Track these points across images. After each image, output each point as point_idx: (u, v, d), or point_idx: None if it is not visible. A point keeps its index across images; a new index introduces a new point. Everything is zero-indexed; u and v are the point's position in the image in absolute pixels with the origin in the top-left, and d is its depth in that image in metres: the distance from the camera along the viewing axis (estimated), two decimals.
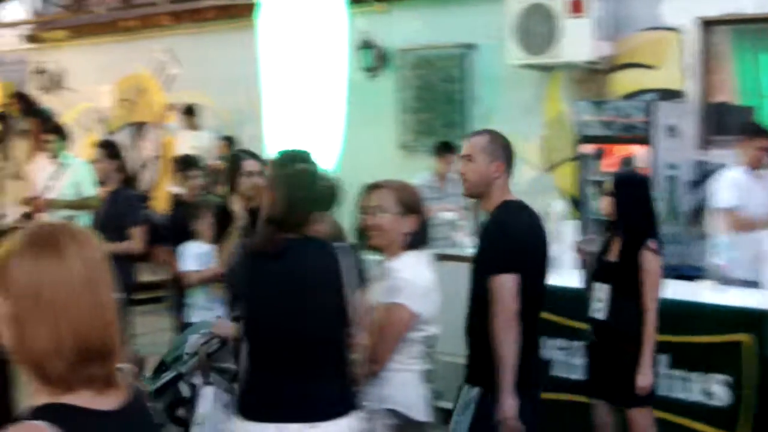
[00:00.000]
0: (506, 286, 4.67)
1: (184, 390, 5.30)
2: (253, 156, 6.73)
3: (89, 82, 16.36)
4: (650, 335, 5.72)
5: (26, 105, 15.00)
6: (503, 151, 5.02)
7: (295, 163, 4.28)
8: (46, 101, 16.18)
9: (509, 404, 4.59)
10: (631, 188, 6.07)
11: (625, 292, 5.80)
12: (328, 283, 4.09)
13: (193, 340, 5.69)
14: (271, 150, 8.37)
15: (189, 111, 13.95)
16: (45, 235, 2.17)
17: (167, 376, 5.70)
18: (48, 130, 10.74)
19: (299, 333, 4.07)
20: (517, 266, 4.68)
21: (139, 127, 15.67)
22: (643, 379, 5.71)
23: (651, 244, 5.75)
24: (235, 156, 6.92)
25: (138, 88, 15.74)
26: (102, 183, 8.78)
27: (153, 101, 15.44)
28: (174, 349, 5.74)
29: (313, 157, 4.33)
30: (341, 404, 4.12)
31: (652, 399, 5.86)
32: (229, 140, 13.20)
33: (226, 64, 13.73)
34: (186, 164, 8.75)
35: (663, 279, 5.84)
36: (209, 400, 5.56)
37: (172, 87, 15.19)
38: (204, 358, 5.61)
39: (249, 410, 4.13)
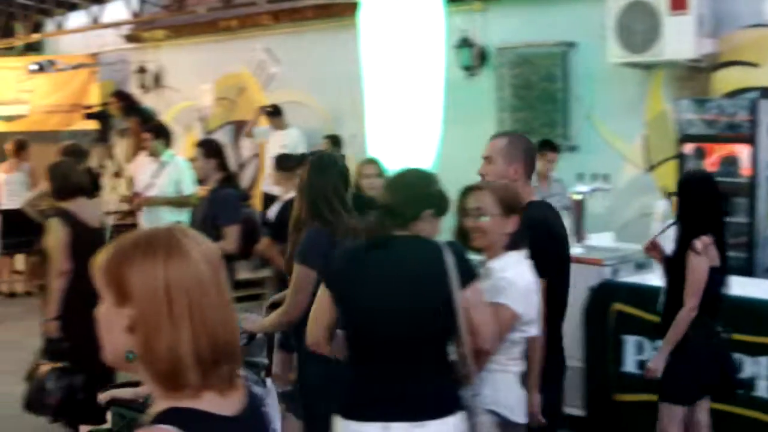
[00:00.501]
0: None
1: None
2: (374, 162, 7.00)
3: (189, 81, 16.64)
4: (678, 329, 5.85)
5: (127, 104, 15.30)
6: (523, 154, 5.23)
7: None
8: (147, 100, 16.50)
9: (536, 399, 4.83)
10: (691, 187, 6.17)
11: (676, 288, 5.93)
12: (433, 281, 4.13)
13: None
14: (371, 149, 8.49)
15: (275, 111, 14.14)
16: (164, 237, 2.14)
17: None
18: (150, 128, 11.01)
19: (405, 330, 4.11)
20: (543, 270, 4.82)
21: (238, 126, 15.89)
22: (652, 363, 5.98)
23: (698, 242, 5.82)
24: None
25: (237, 87, 15.96)
26: (201, 182, 8.97)
27: (252, 100, 15.64)
28: None
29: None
30: (449, 403, 4.17)
31: (681, 398, 6.00)
32: (333, 139, 13.32)
33: (326, 62, 13.91)
34: (287, 163, 8.90)
35: (726, 276, 6.01)
36: None
37: (271, 86, 15.38)
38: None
39: (352, 409, 4.16)
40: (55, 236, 7.29)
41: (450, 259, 4.13)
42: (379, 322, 4.14)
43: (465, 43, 12.18)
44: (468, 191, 4.78)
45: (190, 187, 9.98)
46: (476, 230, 4.68)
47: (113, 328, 2.13)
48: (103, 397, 6.72)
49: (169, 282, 2.07)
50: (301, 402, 5.49)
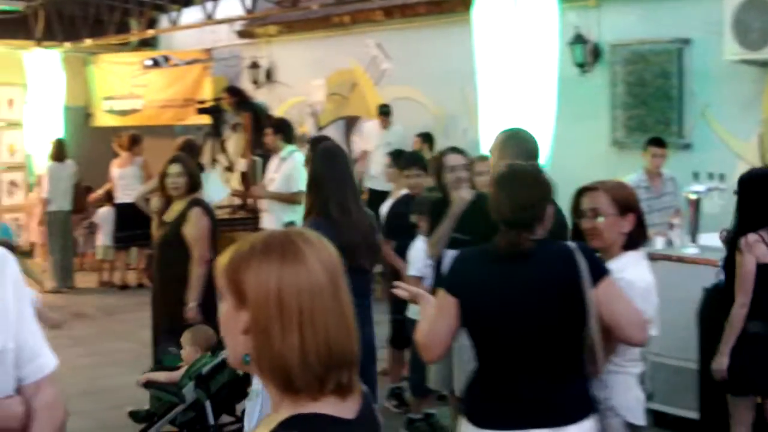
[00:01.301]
0: None
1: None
2: (459, 151, 7.17)
3: (301, 76, 16.94)
4: (733, 326, 6.10)
5: (239, 99, 15.66)
6: (515, 149, 5.59)
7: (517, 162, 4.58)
8: (259, 96, 16.83)
9: None
10: (749, 184, 6.33)
11: (730, 285, 6.17)
12: (566, 284, 4.12)
13: None
14: (484, 145, 8.61)
15: (384, 111, 14.41)
16: (281, 242, 2.17)
17: (224, 354, 6.35)
18: (271, 124, 11.33)
19: (539, 335, 4.11)
20: None
21: (349, 122, 16.17)
22: (715, 363, 6.20)
23: (744, 240, 6.03)
24: (440, 152, 7.38)
25: (349, 82, 16.21)
26: None
27: (364, 96, 15.90)
28: None
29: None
30: (584, 406, 4.20)
31: (746, 389, 6.22)
32: (426, 137, 13.54)
33: (437, 58, 14.08)
34: (405, 160, 9.07)
35: None
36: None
37: (382, 82, 15.63)
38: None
39: (484, 417, 4.20)
40: (197, 226, 7.64)
41: (582, 261, 4.12)
42: (512, 328, 4.13)
43: (579, 40, 12.23)
44: (582, 192, 4.81)
45: (300, 184, 10.20)
46: (593, 231, 4.70)
47: (231, 331, 2.18)
48: (141, 379, 7.14)
49: (282, 286, 2.10)
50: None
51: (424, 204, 7.47)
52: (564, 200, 5.01)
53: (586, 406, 4.20)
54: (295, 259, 2.13)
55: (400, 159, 9.33)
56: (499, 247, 4.23)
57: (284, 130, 10.89)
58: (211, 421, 6.90)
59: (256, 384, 6.37)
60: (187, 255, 7.64)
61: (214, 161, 16.69)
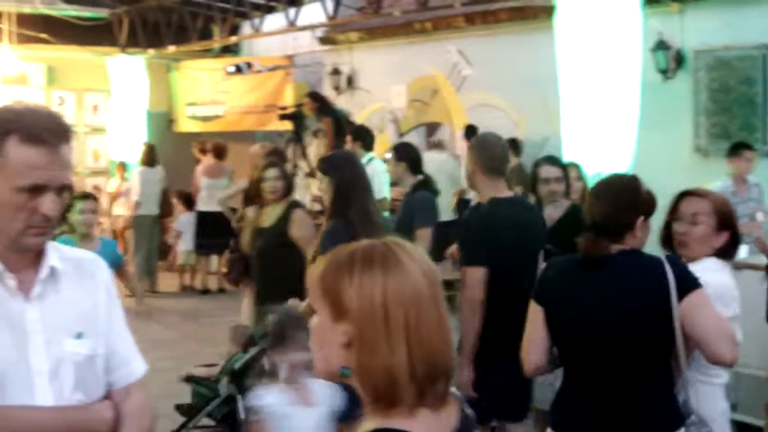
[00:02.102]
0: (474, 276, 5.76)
1: (266, 363, 5.78)
2: (554, 162, 7.30)
3: (382, 82, 17.13)
4: None
5: (320, 105, 15.84)
6: (482, 152, 6.12)
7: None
8: (340, 102, 17.02)
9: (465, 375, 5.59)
10: None
11: None
12: (655, 297, 4.07)
13: (273, 318, 6.62)
14: (566, 152, 8.69)
15: (470, 131, 14.46)
16: (382, 252, 2.15)
17: (253, 351, 6.71)
18: (350, 131, 11.53)
19: (621, 346, 4.09)
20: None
21: (430, 128, 16.29)
22: None
23: None
24: (535, 163, 7.51)
25: (430, 89, 16.33)
26: (395, 184, 9.32)
27: (445, 102, 16.03)
28: (262, 326, 6.47)
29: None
30: (671, 420, 4.18)
31: None
32: (512, 143, 13.59)
33: (518, 65, 14.14)
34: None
35: None
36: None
37: (463, 88, 15.74)
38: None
39: (571, 428, 4.28)
40: (306, 226, 7.79)
41: (671, 275, 4.07)
42: (595, 339, 4.11)
43: (661, 46, 12.25)
44: (685, 195, 4.73)
45: (382, 191, 10.33)
46: (684, 236, 4.64)
47: (327, 343, 2.16)
48: (182, 374, 7.44)
49: (387, 298, 2.07)
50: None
51: None
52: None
53: (673, 419, 4.18)
54: (397, 270, 2.11)
55: None
56: (581, 255, 4.26)
57: (363, 137, 11.08)
58: (243, 415, 7.10)
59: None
60: (294, 257, 7.73)
61: (295, 167, 16.92)
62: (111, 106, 18.48)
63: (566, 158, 8.55)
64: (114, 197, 17.22)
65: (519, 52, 14.22)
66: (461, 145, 14.57)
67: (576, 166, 8.16)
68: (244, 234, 8.49)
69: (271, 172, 8.05)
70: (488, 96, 15.05)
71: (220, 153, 15.69)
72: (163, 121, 19.27)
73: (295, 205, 8.07)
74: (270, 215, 7.99)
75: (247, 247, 8.38)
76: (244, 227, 8.74)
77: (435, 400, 2.11)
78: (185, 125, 19.25)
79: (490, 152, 6.19)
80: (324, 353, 2.19)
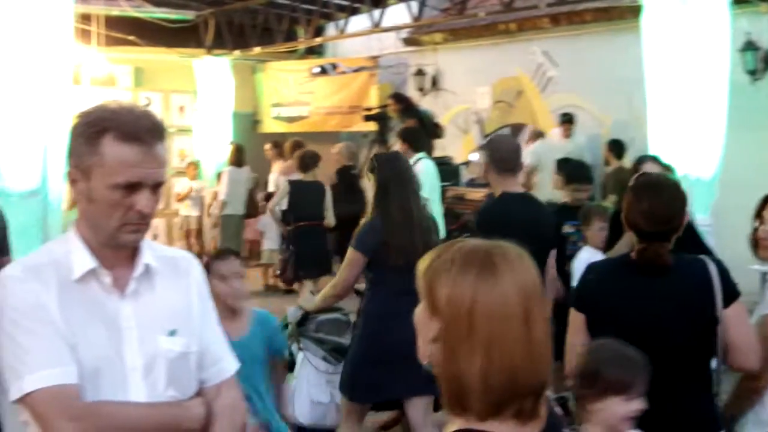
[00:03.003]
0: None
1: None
2: (654, 159, 7.33)
3: (466, 83, 17.22)
4: None
5: (404, 106, 15.90)
6: (493, 152, 6.61)
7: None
8: (424, 103, 17.05)
9: None
10: None
11: None
12: (699, 299, 4.08)
13: (292, 312, 6.82)
14: (653, 153, 8.67)
15: (566, 119, 14.55)
16: (481, 258, 2.13)
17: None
18: (398, 133, 11.74)
19: (669, 350, 4.06)
20: None
21: (515, 129, 16.29)
22: None
23: None
24: (637, 160, 7.55)
25: (515, 90, 16.41)
26: (486, 185, 9.33)
27: (530, 104, 16.09)
28: (283, 319, 6.78)
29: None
30: (712, 424, 4.18)
31: None
32: (615, 144, 13.62)
33: (604, 66, 14.17)
34: (575, 172, 9.00)
35: None
36: (302, 364, 6.77)
37: (548, 89, 15.80)
38: (294, 328, 7.00)
39: None
40: None
41: (717, 280, 4.07)
42: (643, 343, 3.94)
43: (750, 46, 12.19)
44: None
45: (426, 191, 10.41)
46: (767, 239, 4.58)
47: (422, 333, 2.20)
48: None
49: (474, 308, 2.07)
50: None
51: (596, 215, 7.58)
52: (734, 209, 4.98)
53: (713, 424, 4.18)
54: (490, 280, 2.09)
55: (566, 169, 9.37)
56: (638, 261, 4.20)
57: (411, 139, 11.27)
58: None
59: (296, 370, 6.88)
60: None
61: None
62: (197, 107, 18.73)
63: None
64: (181, 198, 17.45)
65: (604, 52, 14.24)
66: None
67: (669, 169, 8.10)
68: None
69: None
70: (573, 97, 15.08)
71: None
72: (248, 122, 19.52)
73: None
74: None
75: None
76: None
77: (518, 415, 2.08)
78: (270, 126, 19.49)
79: (501, 151, 6.65)
80: (420, 340, 2.22)
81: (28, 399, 2.76)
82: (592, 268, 4.55)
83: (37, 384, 2.73)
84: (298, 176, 12.24)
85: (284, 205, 12.12)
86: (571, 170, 9.00)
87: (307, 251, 11.75)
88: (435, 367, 2.14)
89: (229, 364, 3.17)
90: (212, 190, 16.86)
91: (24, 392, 2.75)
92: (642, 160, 7.55)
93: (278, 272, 13.40)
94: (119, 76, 18.66)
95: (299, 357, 6.85)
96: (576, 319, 4.32)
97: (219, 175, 16.60)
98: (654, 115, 9.75)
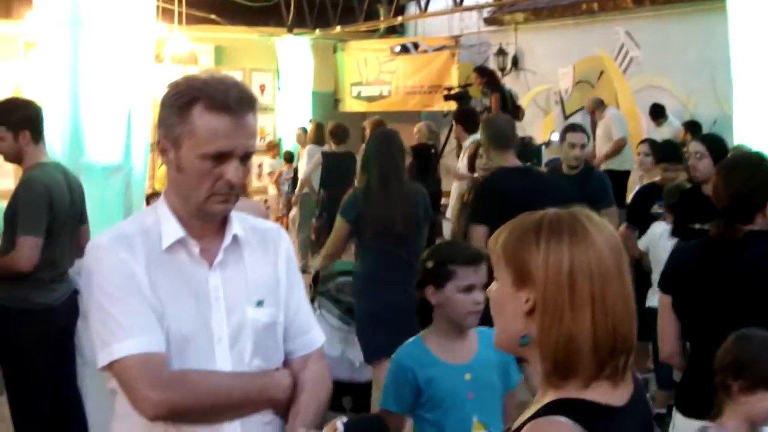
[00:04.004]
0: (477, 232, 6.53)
1: None
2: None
3: (547, 63, 17.16)
4: None
5: (488, 79, 15.81)
6: (489, 130, 7.00)
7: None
8: (505, 83, 16.95)
9: None
10: None
11: None
12: None
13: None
14: (738, 135, 8.59)
15: (657, 111, 14.37)
16: (569, 222, 2.16)
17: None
18: (454, 115, 11.75)
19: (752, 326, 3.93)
20: None
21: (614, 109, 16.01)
22: None
23: None
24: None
25: (597, 70, 16.30)
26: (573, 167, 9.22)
27: (612, 84, 15.97)
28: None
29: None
30: None
31: None
32: (689, 126, 13.44)
33: (687, 47, 14.08)
34: (667, 152, 8.89)
35: None
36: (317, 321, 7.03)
37: (630, 70, 15.66)
38: (312, 289, 7.55)
39: (691, 407, 4.22)
40: None
41: None
42: (720, 322, 4.01)
43: None
44: None
45: None
46: None
47: (507, 310, 2.21)
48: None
49: (574, 267, 2.10)
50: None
51: (674, 193, 7.48)
52: None
53: None
54: (585, 240, 2.12)
55: (655, 148, 9.26)
56: (716, 238, 4.20)
57: (464, 121, 11.40)
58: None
59: None
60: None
61: (459, 147, 17.02)
62: (278, 86, 18.84)
63: (737, 140, 8.44)
64: (275, 180, 17.60)
65: (688, 33, 14.13)
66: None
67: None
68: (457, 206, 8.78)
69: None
70: (656, 78, 14.96)
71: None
72: (328, 101, 19.65)
73: None
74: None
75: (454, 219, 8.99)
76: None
77: (614, 374, 2.13)
78: (350, 105, 19.61)
79: (497, 128, 7.01)
80: (503, 320, 2.23)
81: (115, 366, 2.79)
82: (677, 250, 4.59)
83: (125, 351, 2.76)
84: (329, 149, 13.22)
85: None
86: (661, 150, 8.96)
87: None
88: (538, 338, 2.14)
89: (316, 336, 3.18)
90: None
91: (112, 359, 2.78)
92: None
93: (313, 237, 13.74)
94: (201, 55, 18.87)
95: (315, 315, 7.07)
96: (663, 301, 4.37)
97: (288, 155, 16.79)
98: (739, 96, 9.64)
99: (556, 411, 2.08)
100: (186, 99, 2.83)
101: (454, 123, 11.34)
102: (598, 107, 14.86)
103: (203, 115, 2.79)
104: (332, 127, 13.41)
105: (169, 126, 2.86)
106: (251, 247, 3.02)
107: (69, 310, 5.86)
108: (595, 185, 8.20)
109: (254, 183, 18.64)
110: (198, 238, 2.92)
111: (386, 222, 6.77)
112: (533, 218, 2.20)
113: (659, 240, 7.42)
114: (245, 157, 2.86)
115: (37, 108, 5.91)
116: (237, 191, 2.89)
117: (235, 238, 2.97)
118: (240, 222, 3.02)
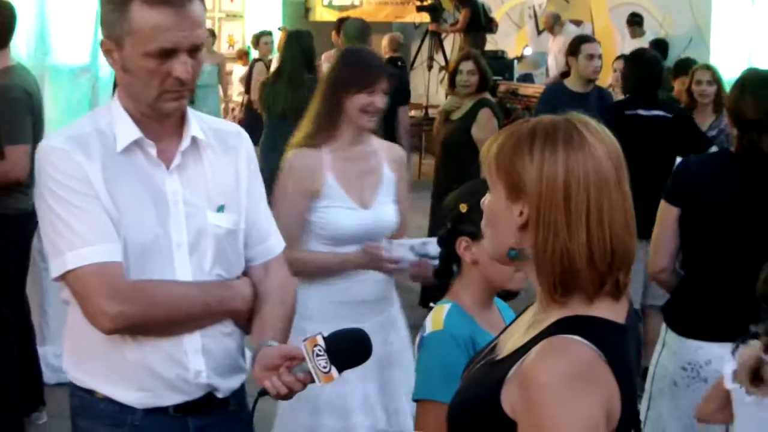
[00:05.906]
0: None
1: None
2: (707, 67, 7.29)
3: None
4: None
5: None
6: None
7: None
8: None
9: None
10: None
11: None
12: None
13: None
14: (713, 55, 8.60)
15: (636, 21, 14.29)
16: (565, 129, 2.06)
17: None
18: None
19: (762, 247, 3.93)
20: None
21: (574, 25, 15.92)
22: None
23: None
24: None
25: None
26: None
27: (587, 0, 15.84)
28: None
29: None
30: None
31: None
32: (659, 45, 13.37)
33: None
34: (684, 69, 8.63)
35: None
36: None
37: None
38: None
39: (689, 327, 4.17)
40: (486, 128, 7.52)
41: None
42: (739, 238, 3.99)
43: None
44: None
45: None
46: None
47: (500, 222, 2.13)
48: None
49: (569, 177, 2.01)
50: None
51: None
52: None
53: None
54: (581, 149, 2.03)
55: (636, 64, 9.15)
56: (736, 151, 4.12)
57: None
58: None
59: None
60: (471, 156, 7.62)
61: (431, 59, 16.91)
62: None
63: (713, 60, 8.43)
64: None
65: None
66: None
67: (711, 69, 7.87)
68: (437, 122, 8.54)
69: (466, 65, 7.92)
70: None
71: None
72: (299, 10, 19.38)
73: (485, 103, 7.88)
74: (462, 109, 7.93)
75: (435, 133, 8.73)
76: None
77: (614, 289, 2.06)
78: (321, 14, 19.35)
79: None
80: (496, 233, 2.15)
81: (69, 276, 2.68)
82: (688, 161, 4.51)
83: (79, 261, 2.65)
84: None
85: None
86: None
87: None
88: (532, 253, 2.06)
89: (276, 243, 3.04)
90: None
91: (66, 269, 2.67)
92: (695, 68, 7.49)
93: None
94: None
95: None
96: (668, 213, 4.22)
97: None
98: (717, 16, 9.62)
99: (567, 330, 2.01)
100: None
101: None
102: (556, 22, 14.73)
103: (142, 11, 2.62)
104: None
105: (110, 25, 2.71)
106: (211, 149, 2.89)
107: None
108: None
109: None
110: (155, 140, 2.79)
111: (276, 102, 8.29)
112: (527, 126, 2.11)
113: None
114: (194, 50, 2.70)
115: (7, 12, 5.71)
116: (190, 86, 2.74)
117: (194, 140, 2.84)
118: (199, 122, 2.90)
